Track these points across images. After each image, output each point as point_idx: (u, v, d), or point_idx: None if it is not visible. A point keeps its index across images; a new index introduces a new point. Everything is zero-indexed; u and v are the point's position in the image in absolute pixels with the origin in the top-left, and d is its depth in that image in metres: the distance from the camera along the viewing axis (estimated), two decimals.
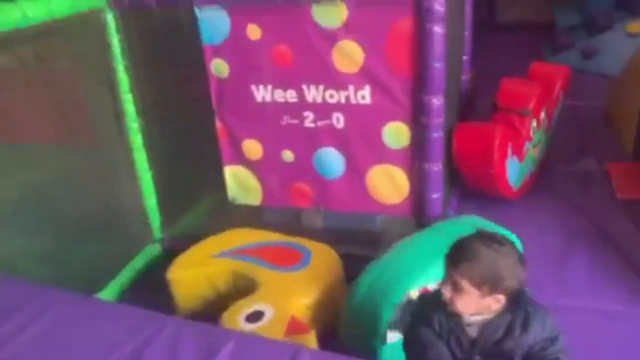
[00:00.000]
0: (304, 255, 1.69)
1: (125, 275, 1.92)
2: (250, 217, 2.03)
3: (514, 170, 2.15)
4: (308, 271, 1.61)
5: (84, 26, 1.70)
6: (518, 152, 2.15)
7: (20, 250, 1.80)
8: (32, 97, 1.73)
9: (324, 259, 1.66)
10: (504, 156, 2.03)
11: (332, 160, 1.75)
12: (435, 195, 1.67)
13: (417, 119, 1.60)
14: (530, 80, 2.40)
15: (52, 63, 1.71)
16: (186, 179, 2.03)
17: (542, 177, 2.43)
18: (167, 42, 1.79)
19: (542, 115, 2.31)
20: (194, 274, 1.70)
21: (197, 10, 1.67)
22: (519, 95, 2.20)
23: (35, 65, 1.68)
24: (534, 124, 2.24)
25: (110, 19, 1.74)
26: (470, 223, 1.54)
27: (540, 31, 4.56)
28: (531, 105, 2.20)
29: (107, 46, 1.77)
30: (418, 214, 1.72)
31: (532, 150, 2.29)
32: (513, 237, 1.30)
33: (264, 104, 1.74)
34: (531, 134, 2.23)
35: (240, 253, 1.75)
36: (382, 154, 1.69)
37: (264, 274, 1.63)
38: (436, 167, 1.63)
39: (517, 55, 3.68)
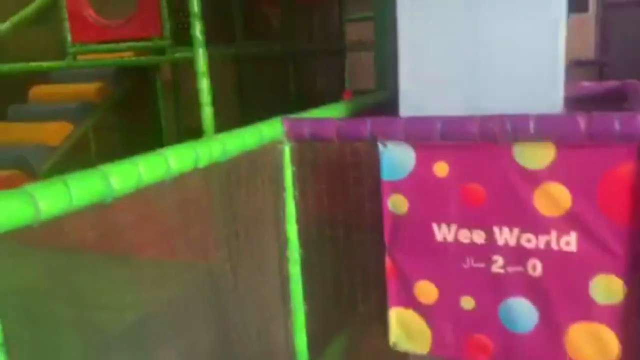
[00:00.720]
0: None
1: None
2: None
3: None
4: None
5: (262, 157, 1.69)
6: None
7: None
8: (202, 221, 1.71)
9: None
10: None
11: (523, 312, 1.55)
12: None
13: (635, 273, 1.40)
14: None
15: (227, 191, 1.68)
16: (338, 316, 1.89)
17: None
18: (341, 174, 1.73)
19: None
20: None
21: (380, 145, 1.61)
22: None
23: (213, 193, 1.66)
24: None
25: (287, 150, 1.72)
26: None
27: None
28: None
29: (279, 176, 1.74)
30: None
31: None
32: None
33: (445, 244, 1.60)
34: None
35: None
36: (588, 310, 1.47)
37: None
38: None
39: None
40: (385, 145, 1.61)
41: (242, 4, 4.17)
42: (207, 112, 2.84)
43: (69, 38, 3.80)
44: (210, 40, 2.97)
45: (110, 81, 4.30)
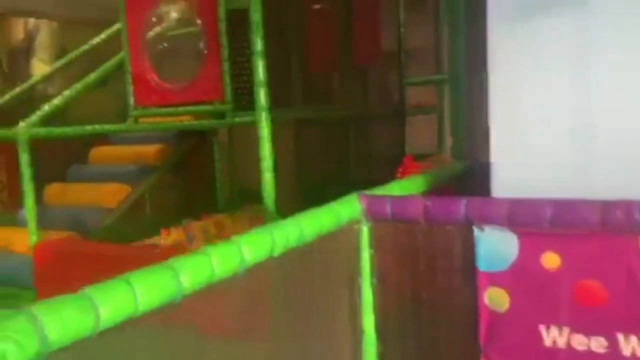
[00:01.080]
0: None
1: None
2: None
3: None
4: None
5: (337, 238, 1.51)
6: None
7: None
8: (269, 310, 1.53)
9: None
10: None
11: None
12: None
13: None
14: None
15: (298, 277, 1.50)
16: None
17: None
18: (427, 260, 1.52)
19: None
20: None
21: (476, 230, 1.41)
22: None
23: (288, 278, 1.49)
24: None
25: (365, 230, 1.54)
26: None
27: None
28: None
29: (355, 260, 1.55)
30: None
31: None
32: None
33: (555, 350, 1.35)
34: None
35: None
36: None
37: None
38: None
39: None
40: (482, 230, 1.41)
41: (302, 68, 4.15)
42: (268, 178, 2.73)
43: (132, 101, 3.83)
44: (272, 104, 2.90)
45: (170, 144, 4.31)
